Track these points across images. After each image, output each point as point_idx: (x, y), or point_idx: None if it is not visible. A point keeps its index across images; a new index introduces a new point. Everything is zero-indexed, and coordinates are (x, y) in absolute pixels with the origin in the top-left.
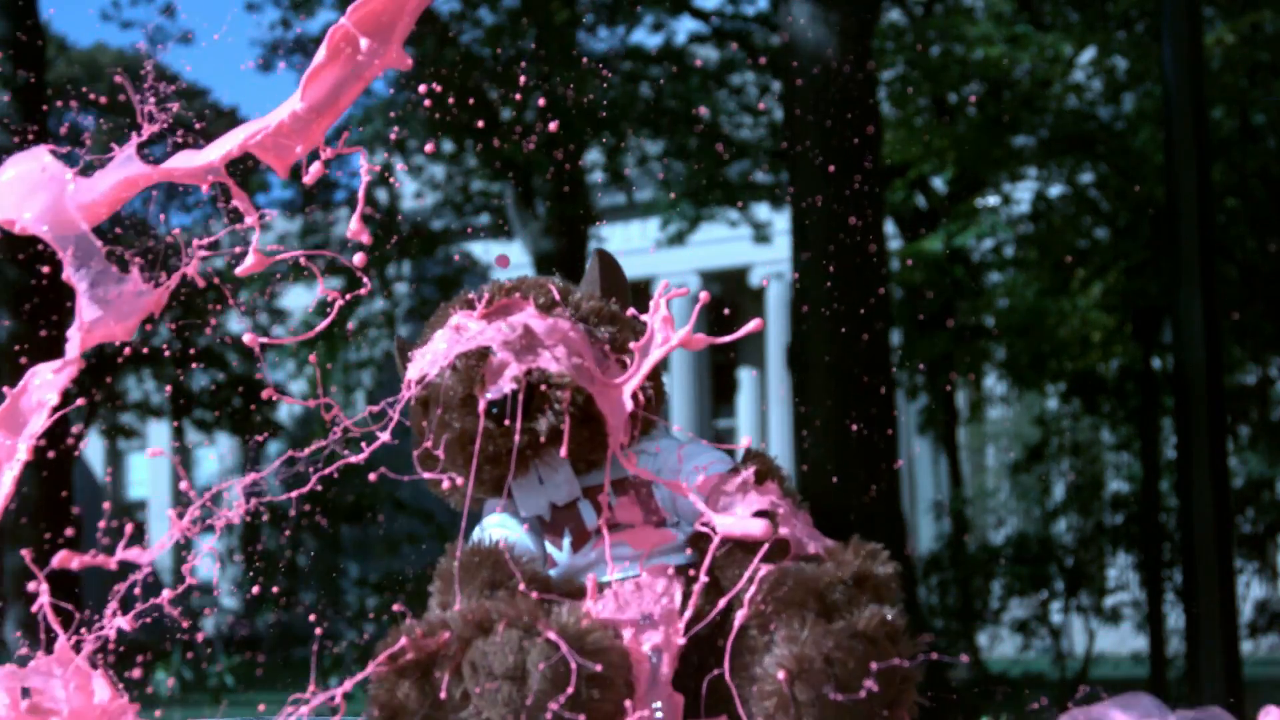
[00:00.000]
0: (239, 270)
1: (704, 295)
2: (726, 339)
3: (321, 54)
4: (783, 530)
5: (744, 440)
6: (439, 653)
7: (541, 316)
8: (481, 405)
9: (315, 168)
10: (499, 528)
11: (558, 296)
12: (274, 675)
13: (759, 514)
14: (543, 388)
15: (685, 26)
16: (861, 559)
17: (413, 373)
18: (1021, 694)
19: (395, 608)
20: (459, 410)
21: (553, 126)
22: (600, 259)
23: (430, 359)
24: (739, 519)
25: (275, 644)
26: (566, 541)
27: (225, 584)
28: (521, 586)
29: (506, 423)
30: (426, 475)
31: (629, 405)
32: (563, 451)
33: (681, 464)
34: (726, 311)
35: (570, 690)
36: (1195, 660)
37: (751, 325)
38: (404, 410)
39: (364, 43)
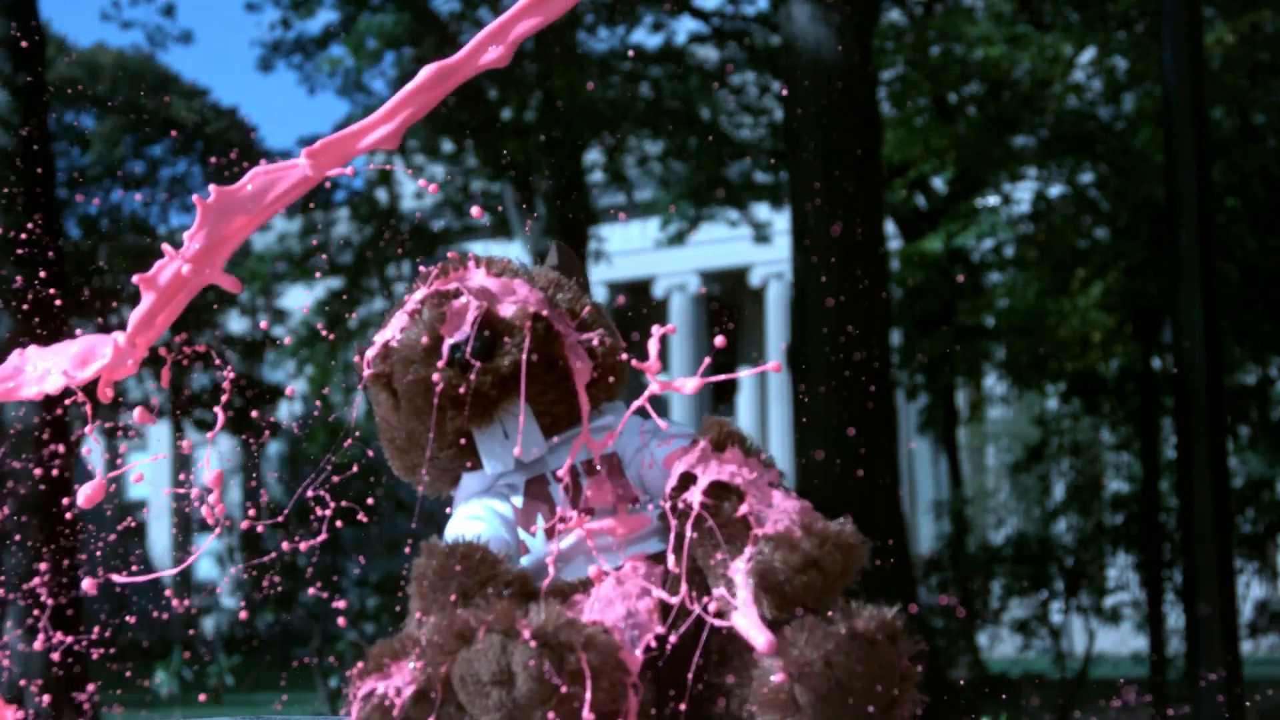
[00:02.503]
0: (80, 501)
1: (720, 340)
2: (739, 375)
3: (147, 302)
4: (742, 509)
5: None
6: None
7: (497, 278)
8: (445, 349)
9: (105, 391)
10: (470, 520)
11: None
12: (274, 675)
13: (717, 485)
14: (504, 328)
15: (685, 26)
16: (812, 543)
17: (371, 353)
18: (1021, 694)
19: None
20: (422, 361)
21: (475, 212)
22: (558, 248)
23: (389, 328)
24: (746, 623)
25: (275, 644)
26: (540, 528)
27: (226, 583)
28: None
29: (472, 364)
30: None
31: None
32: (522, 387)
33: (644, 441)
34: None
35: (561, 688)
36: (1195, 660)
37: (770, 365)
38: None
39: (186, 268)
